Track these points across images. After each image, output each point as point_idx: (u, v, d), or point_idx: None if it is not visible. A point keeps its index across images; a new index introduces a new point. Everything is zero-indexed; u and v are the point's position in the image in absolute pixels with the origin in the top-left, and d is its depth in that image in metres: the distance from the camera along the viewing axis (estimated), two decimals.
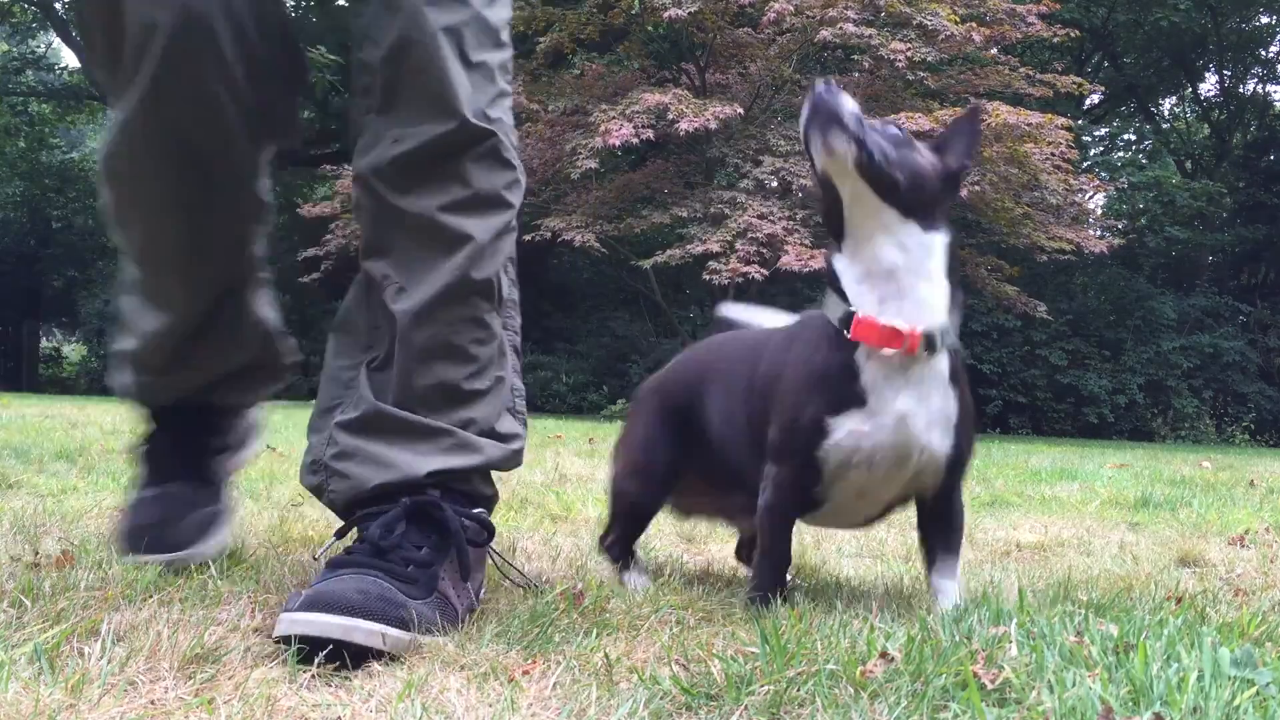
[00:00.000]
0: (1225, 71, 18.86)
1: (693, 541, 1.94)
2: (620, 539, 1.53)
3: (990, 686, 0.93)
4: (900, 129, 1.24)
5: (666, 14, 10.03)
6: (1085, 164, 13.52)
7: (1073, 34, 11.58)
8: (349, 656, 1.02)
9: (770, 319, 1.56)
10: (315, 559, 1.46)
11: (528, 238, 11.36)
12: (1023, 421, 15.17)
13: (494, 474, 1.37)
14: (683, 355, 1.59)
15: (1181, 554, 1.92)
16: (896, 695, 0.92)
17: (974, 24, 10.09)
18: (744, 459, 1.35)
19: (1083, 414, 14.97)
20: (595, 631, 1.15)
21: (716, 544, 1.90)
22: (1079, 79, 11.41)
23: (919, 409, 1.19)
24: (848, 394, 1.20)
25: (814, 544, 1.93)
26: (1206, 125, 20.15)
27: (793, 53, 10.65)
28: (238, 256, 1.51)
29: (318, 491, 1.34)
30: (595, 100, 10.70)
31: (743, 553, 1.62)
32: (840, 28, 9.67)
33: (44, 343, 22.85)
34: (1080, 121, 17.37)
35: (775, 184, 10.47)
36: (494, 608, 1.26)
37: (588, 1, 10.90)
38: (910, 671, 0.97)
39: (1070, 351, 15.15)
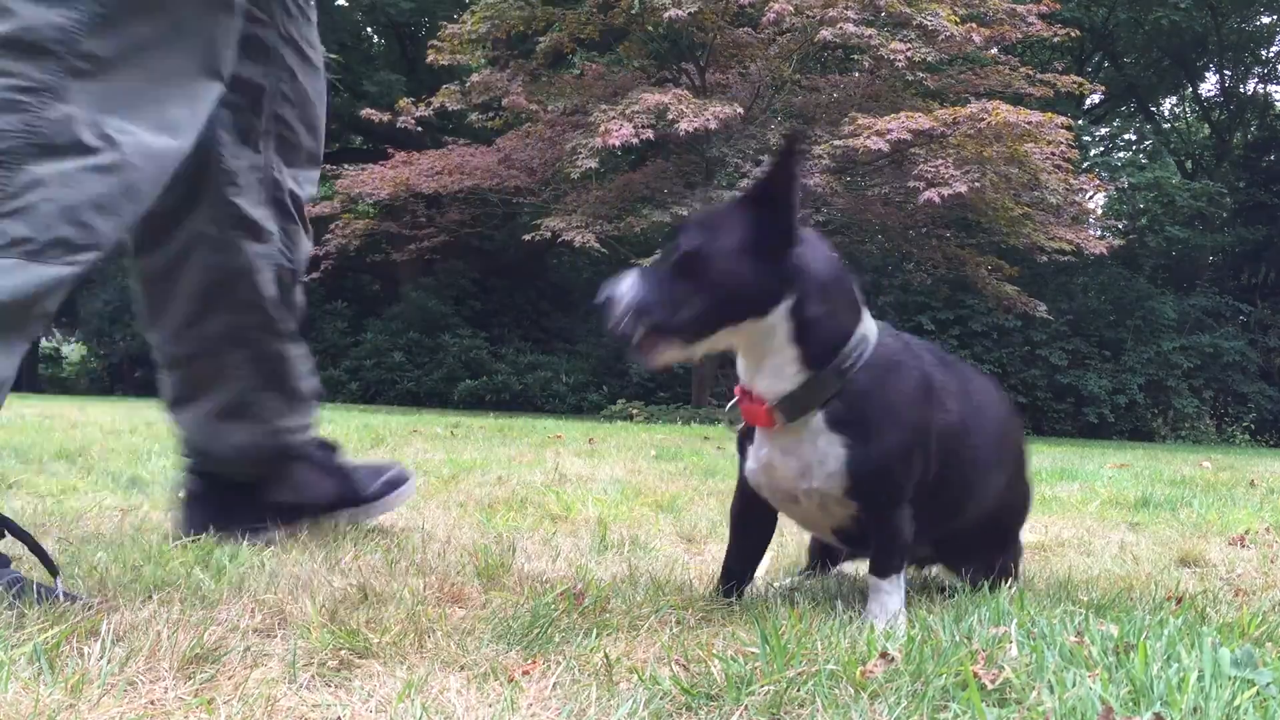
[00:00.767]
0: (1226, 71, 18.86)
1: (693, 541, 1.94)
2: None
3: (990, 686, 0.93)
4: (692, 248, 1.25)
5: (666, 14, 10.02)
6: (1085, 164, 13.52)
7: (1073, 34, 11.58)
8: None
9: None
10: None
11: (528, 237, 11.37)
12: (1023, 422, 15.15)
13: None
14: None
15: (1182, 554, 1.92)
16: (896, 695, 0.92)
17: (974, 24, 10.09)
18: None
19: (1083, 414, 14.97)
20: (595, 631, 1.15)
21: (717, 543, 1.90)
22: (1079, 79, 11.41)
23: (785, 459, 1.30)
24: (746, 438, 1.38)
25: None
26: (1207, 125, 20.15)
27: (793, 53, 10.65)
28: None
29: None
30: (595, 100, 10.70)
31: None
32: (840, 28, 9.67)
33: (44, 343, 22.84)
34: (1080, 121, 17.37)
35: None
36: (494, 608, 1.26)
37: (588, 1, 10.90)
38: (910, 671, 0.96)
39: (1070, 351, 15.15)
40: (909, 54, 9.73)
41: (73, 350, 22.68)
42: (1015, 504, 1.59)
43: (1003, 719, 0.88)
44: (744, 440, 1.39)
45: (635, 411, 10.77)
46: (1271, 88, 19.46)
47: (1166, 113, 21.41)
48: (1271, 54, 18.53)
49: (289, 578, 1.35)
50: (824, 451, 1.28)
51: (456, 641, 1.10)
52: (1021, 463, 1.59)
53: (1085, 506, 2.69)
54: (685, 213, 10.47)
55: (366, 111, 12.15)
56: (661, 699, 0.93)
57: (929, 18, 9.83)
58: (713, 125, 9.70)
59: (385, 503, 1.92)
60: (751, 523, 1.45)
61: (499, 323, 15.80)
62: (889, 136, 9.20)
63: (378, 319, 15.33)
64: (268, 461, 1.78)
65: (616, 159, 12.43)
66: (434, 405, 13.53)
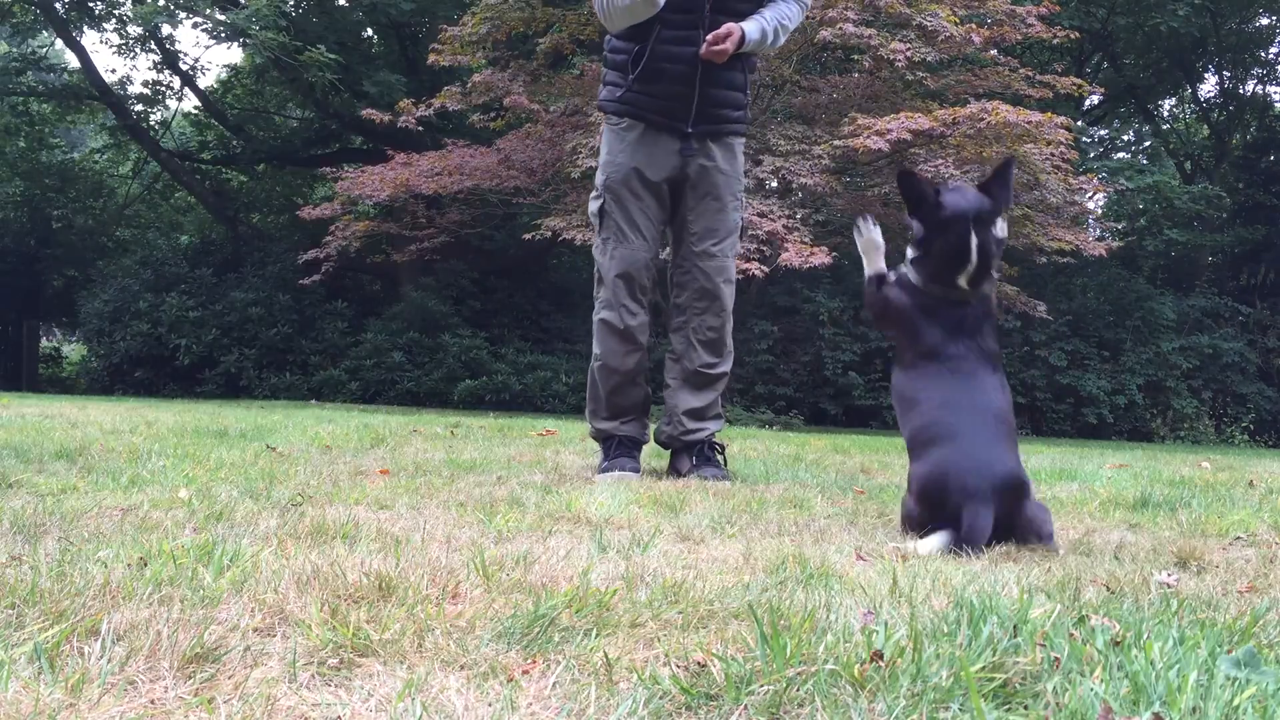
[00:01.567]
0: (1225, 72, 18.86)
1: (693, 541, 1.94)
2: None
3: (990, 686, 0.94)
4: None
5: None
6: (1084, 166, 13.51)
7: (1072, 35, 11.58)
8: None
9: None
10: None
11: (528, 237, 11.37)
12: (1022, 422, 15.18)
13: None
14: None
15: (1181, 554, 1.92)
16: (896, 695, 0.92)
17: (973, 25, 10.10)
18: None
19: (1082, 414, 14.98)
20: (595, 631, 1.15)
21: (717, 543, 1.90)
22: (1079, 80, 11.41)
23: None
24: None
25: (813, 542, 1.93)
26: (1206, 126, 20.16)
27: (793, 53, 10.64)
28: None
29: None
30: (595, 100, 10.69)
31: None
32: (840, 28, 9.67)
33: (44, 343, 22.84)
34: (1079, 123, 17.36)
35: (775, 183, 10.47)
36: (494, 607, 1.27)
37: (588, 2, 10.90)
38: (910, 671, 0.97)
39: (1070, 352, 15.15)
40: (909, 54, 9.73)
41: (73, 350, 22.69)
42: None
43: (1003, 719, 0.88)
44: None
45: None
46: (1271, 89, 19.48)
47: (1166, 114, 21.42)
48: (1271, 55, 18.54)
49: (289, 577, 1.35)
50: None
51: (456, 641, 1.10)
52: None
53: (1084, 506, 2.69)
54: None
55: (367, 112, 12.15)
56: (661, 699, 0.93)
57: (929, 18, 9.83)
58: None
59: None
60: None
61: (499, 323, 15.80)
62: (889, 137, 9.21)
63: (378, 319, 15.33)
64: None
65: None
66: (434, 405, 13.53)
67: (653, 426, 3.39)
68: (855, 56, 11.34)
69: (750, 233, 9.48)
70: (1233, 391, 15.73)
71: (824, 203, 10.91)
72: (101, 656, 0.98)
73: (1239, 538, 2.22)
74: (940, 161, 9.56)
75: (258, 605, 1.21)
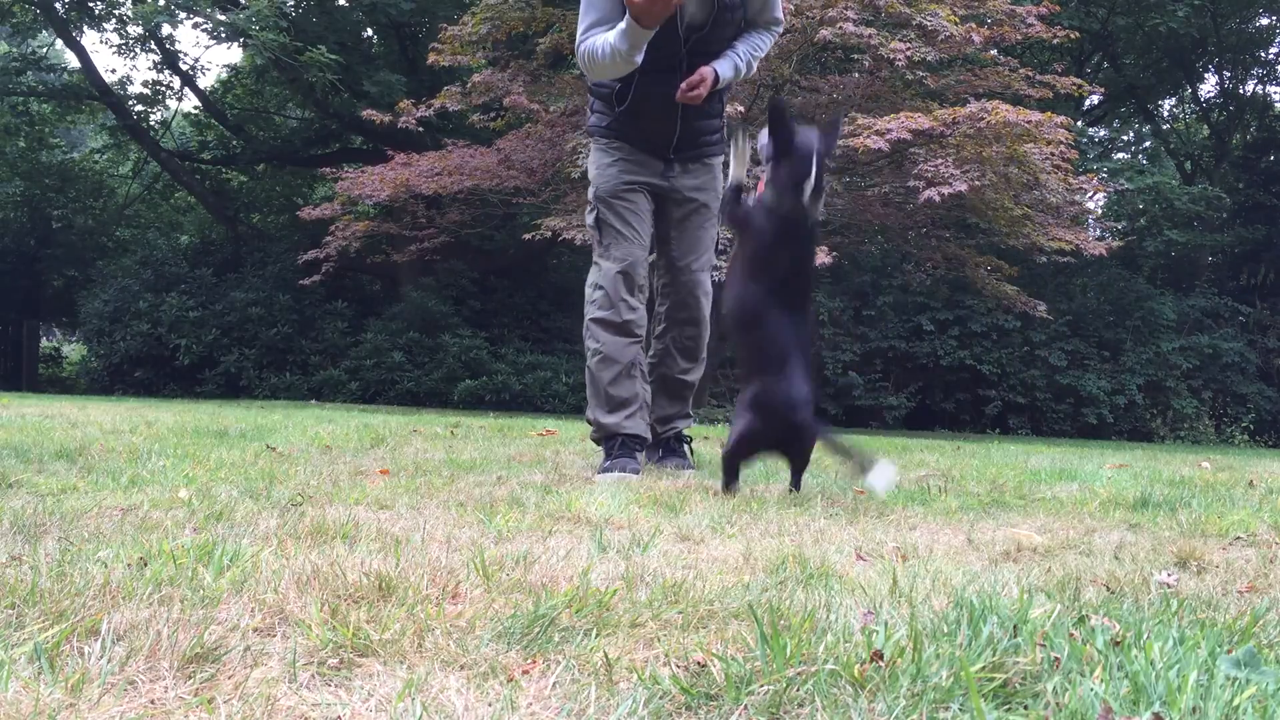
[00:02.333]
0: (1225, 72, 18.87)
1: (693, 541, 1.94)
2: None
3: (990, 686, 0.94)
4: None
5: None
6: (1083, 167, 13.51)
7: (1072, 35, 11.58)
8: None
9: None
10: None
11: (528, 237, 11.37)
12: (1022, 422, 15.18)
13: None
14: None
15: (1181, 554, 1.92)
16: (896, 695, 0.92)
17: (973, 25, 10.09)
18: None
19: (1082, 415, 14.98)
20: (595, 631, 1.15)
21: (717, 543, 1.90)
22: (1079, 80, 11.40)
23: None
24: None
25: (813, 542, 1.93)
26: (1206, 126, 20.16)
27: (793, 53, 10.64)
28: None
29: None
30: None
31: None
32: (840, 28, 9.67)
33: (44, 343, 22.85)
34: (1079, 123, 17.37)
35: None
36: (494, 607, 1.26)
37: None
38: (910, 671, 0.97)
39: (1070, 352, 15.16)
40: (909, 54, 9.73)
41: (73, 350, 22.69)
42: None
43: (1003, 719, 0.88)
44: None
45: None
46: (1271, 89, 19.49)
47: (1166, 113, 21.42)
48: (1271, 55, 18.55)
49: (289, 577, 1.35)
50: None
51: (456, 641, 1.10)
52: None
53: (1084, 506, 2.69)
54: None
55: (367, 112, 12.15)
56: (661, 699, 0.93)
57: (929, 18, 9.83)
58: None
59: None
60: None
61: (499, 323, 15.80)
62: (889, 136, 9.20)
63: (378, 319, 15.33)
64: None
65: None
66: (434, 405, 13.53)
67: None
68: (855, 56, 11.34)
69: None
70: (1233, 391, 15.73)
71: (824, 202, 10.90)
72: (101, 656, 0.98)
73: (1239, 538, 2.22)
74: (940, 161, 9.56)
75: (258, 605, 1.21)
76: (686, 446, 3.59)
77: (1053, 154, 9.94)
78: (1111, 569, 1.76)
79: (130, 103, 17.98)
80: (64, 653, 0.99)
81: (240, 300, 15.18)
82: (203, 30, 15.44)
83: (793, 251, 2.69)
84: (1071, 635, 1.09)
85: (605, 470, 3.13)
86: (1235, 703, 0.89)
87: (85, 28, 16.74)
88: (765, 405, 2.58)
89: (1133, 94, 18.92)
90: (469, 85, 11.53)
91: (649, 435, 3.40)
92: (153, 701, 0.90)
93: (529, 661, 1.04)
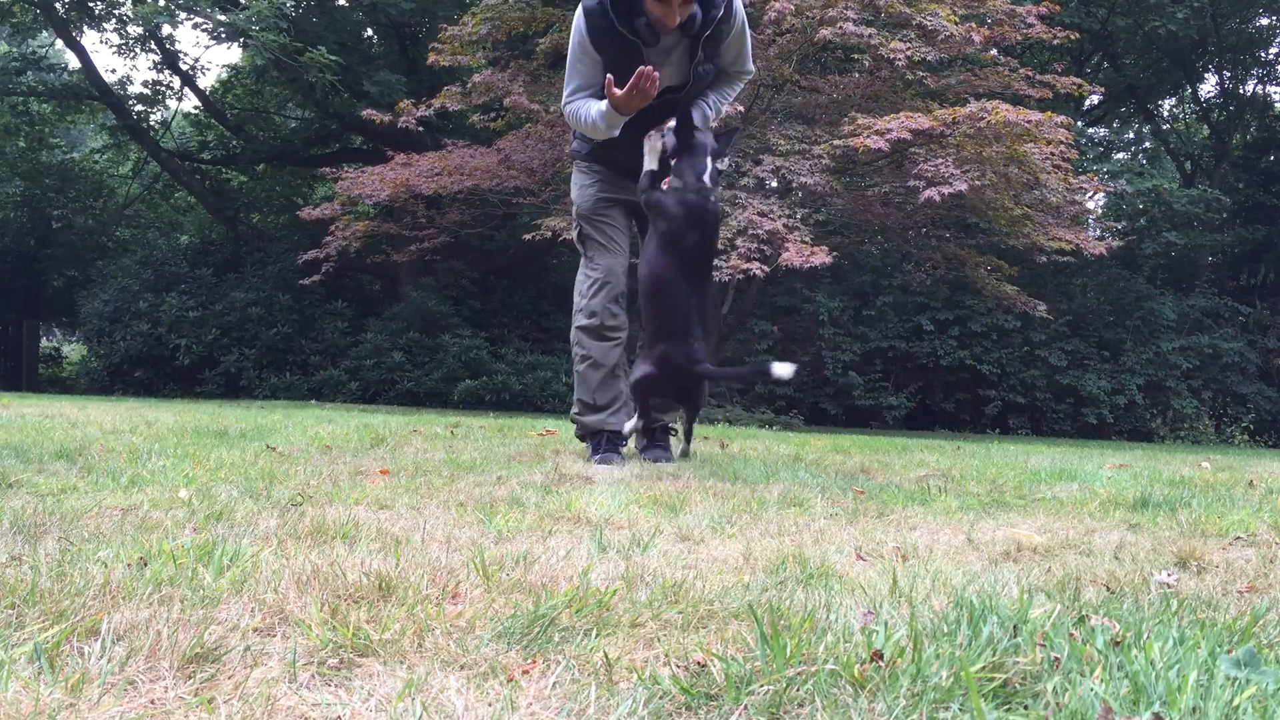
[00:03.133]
0: (1225, 73, 18.86)
1: (692, 541, 1.94)
2: None
3: (990, 686, 0.94)
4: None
5: None
6: (1083, 168, 13.51)
7: (1072, 36, 11.57)
8: None
9: None
10: None
11: (528, 237, 11.36)
12: (1022, 422, 15.18)
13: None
14: None
15: (1181, 554, 1.92)
16: (896, 695, 0.92)
17: (973, 25, 10.09)
18: None
19: (1082, 414, 14.98)
20: (595, 631, 1.15)
21: (717, 543, 1.90)
22: (1079, 80, 11.40)
23: None
24: None
25: (813, 542, 1.93)
26: (1206, 126, 20.16)
27: (793, 53, 10.64)
28: None
29: None
30: None
31: None
32: (840, 28, 9.67)
33: (44, 343, 22.85)
34: (1079, 124, 17.36)
35: (775, 183, 10.47)
36: (494, 607, 1.26)
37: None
38: (910, 671, 0.97)
39: (1070, 352, 15.16)
40: (909, 54, 9.73)
41: (73, 350, 22.69)
42: None
43: (1003, 719, 0.88)
44: None
45: None
46: (1271, 89, 19.49)
47: (1166, 113, 21.42)
48: (1271, 55, 18.54)
49: (289, 577, 1.35)
50: None
51: (456, 640, 1.10)
52: None
53: (1084, 506, 2.69)
54: None
55: (367, 112, 12.15)
56: (661, 699, 0.93)
57: (929, 18, 9.83)
58: (713, 124, 9.68)
59: None
60: None
61: (499, 323, 15.80)
62: (889, 136, 9.20)
63: (378, 319, 15.33)
64: None
65: None
66: (434, 405, 13.53)
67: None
68: (855, 56, 11.34)
69: (750, 232, 9.48)
70: (1233, 391, 15.73)
71: (824, 202, 10.90)
72: (101, 656, 0.98)
73: (1239, 538, 2.22)
74: (940, 161, 9.56)
75: (258, 605, 1.21)
76: (670, 438, 3.84)
77: (1053, 154, 9.94)
78: (1111, 569, 1.76)
79: (130, 103, 17.98)
80: (64, 653, 0.99)
81: (240, 300, 15.18)
82: (203, 30, 15.44)
83: (698, 230, 3.17)
84: (1071, 635, 1.09)
85: (601, 460, 3.44)
86: (1235, 703, 0.89)
87: (85, 28, 16.74)
88: (668, 360, 3.09)
89: (1133, 94, 18.92)
90: (469, 85, 11.53)
91: (627, 433, 3.68)
92: (153, 701, 0.90)
93: (529, 661, 1.04)
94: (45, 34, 18.45)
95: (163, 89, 18.49)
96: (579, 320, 3.63)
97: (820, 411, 14.97)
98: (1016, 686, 0.94)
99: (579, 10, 3.32)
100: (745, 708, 0.92)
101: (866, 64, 11.05)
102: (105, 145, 20.24)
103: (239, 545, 1.57)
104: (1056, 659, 1.00)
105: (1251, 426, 15.38)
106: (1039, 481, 3.37)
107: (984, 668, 0.97)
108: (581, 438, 3.74)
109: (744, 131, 10.73)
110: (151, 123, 18.72)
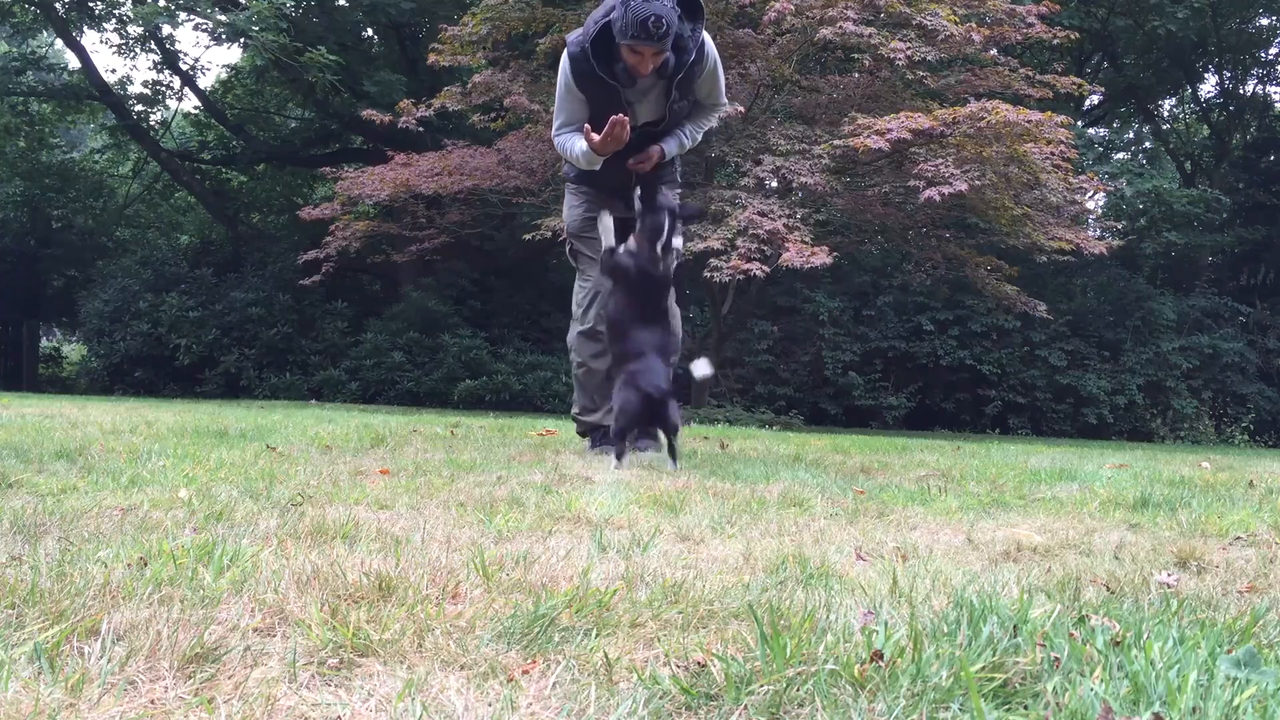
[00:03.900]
0: (1225, 73, 18.86)
1: (692, 541, 1.94)
2: None
3: (990, 686, 0.94)
4: None
5: None
6: (1082, 169, 13.50)
7: (1072, 36, 11.57)
8: None
9: None
10: None
11: (528, 237, 11.37)
12: (1022, 422, 15.17)
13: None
14: None
15: (1181, 554, 1.92)
16: (896, 695, 0.92)
17: (973, 25, 10.09)
18: None
19: (1082, 414, 14.98)
20: (595, 631, 1.15)
21: (717, 543, 1.90)
22: (1079, 80, 11.40)
23: None
24: None
25: (813, 542, 1.93)
26: (1206, 126, 20.15)
27: (793, 53, 10.64)
28: None
29: None
30: None
31: None
32: (840, 27, 9.67)
33: (44, 343, 22.84)
34: (1079, 124, 17.36)
35: (775, 183, 10.47)
36: (494, 607, 1.26)
37: (588, 2, 10.90)
38: (910, 671, 0.97)
39: (1070, 352, 15.16)
40: (909, 53, 9.72)
41: (73, 350, 22.69)
42: None
43: (1003, 719, 0.88)
44: None
45: None
46: (1271, 89, 19.48)
47: (1166, 113, 21.42)
48: (1271, 55, 18.54)
49: (289, 577, 1.35)
50: None
51: (456, 641, 1.10)
52: None
53: (1084, 506, 2.69)
54: None
55: (367, 112, 12.14)
56: (661, 699, 0.93)
57: (929, 18, 9.82)
58: (713, 124, 9.69)
59: None
60: None
61: (499, 323, 15.80)
62: (889, 136, 9.20)
63: (378, 319, 15.33)
64: None
65: None
66: (434, 405, 13.53)
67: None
68: (855, 56, 11.34)
69: (750, 232, 9.48)
70: (1233, 392, 15.73)
71: (824, 202, 10.90)
72: (101, 656, 0.98)
73: (1239, 538, 2.22)
74: (940, 161, 9.56)
75: (258, 605, 1.21)
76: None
77: (1053, 153, 9.94)
78: (1111, 569, 1.76)
79: (130, 103, 17.98)
80: (64, 653, 0.99)
81: (240, 300, 15.18)
82: (203, 30, 15.45)
83: (649, 288, 3.56)
84: (1071, 635, 1.09)
85: (603, 450, 3.74)
86: (1235, 703, 0.89)
87: (85, 28, 16.74)
88: (634, 386, 3.38)
89: (1133, 94, 18.92)
90: (469, 85, 11.53)
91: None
92: (153, 701, 0.90)
93: (529, 661, 1.04)
94: (45, 34, 18.46)
95: (163, 89, 18.49)
96: (575, 329, 4.00)
97: (820, 411, 14.97)
98: (1016, 686, 0.94)
99: (564, 54, 3.60)
100: (745, 708, 0.92)
101: (866, 64, 11.05)
102: (105, 145, 20.23)
103: (239, 545, 1.57)
104: (1056, 659, 1.00)
105: (1251, 426, 15.38)
106: (1039, 481, 3.37)
107: (984, 668, 0.97)
108: (583, 434, 4.07)
109: (744, 131, 10.74)
110: (151, 123, 18.72)
